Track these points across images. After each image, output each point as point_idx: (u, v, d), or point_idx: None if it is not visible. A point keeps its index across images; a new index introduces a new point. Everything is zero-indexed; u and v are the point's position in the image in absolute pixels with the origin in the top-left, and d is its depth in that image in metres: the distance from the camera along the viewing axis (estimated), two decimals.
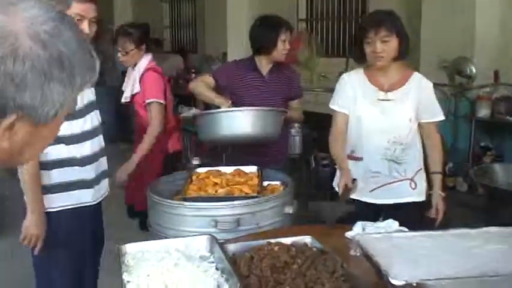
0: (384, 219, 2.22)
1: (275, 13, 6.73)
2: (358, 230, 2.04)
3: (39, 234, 2.36)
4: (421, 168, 2.78)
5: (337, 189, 2.60)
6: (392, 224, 2.08)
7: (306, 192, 5.00)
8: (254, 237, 2.12)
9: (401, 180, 2.73)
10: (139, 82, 3.79)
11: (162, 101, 3.74)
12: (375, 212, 2.66)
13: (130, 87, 3.84)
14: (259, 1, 8.13)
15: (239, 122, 2.92)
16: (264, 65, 3.33)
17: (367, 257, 1.53)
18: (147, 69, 3.79)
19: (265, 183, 2.73)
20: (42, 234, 2.37)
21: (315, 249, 1.84)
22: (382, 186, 2.73)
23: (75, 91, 0.91)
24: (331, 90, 6.87)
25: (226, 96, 3.24)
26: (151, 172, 3.72)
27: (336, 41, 7.44)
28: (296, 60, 7.33)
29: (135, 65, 3.86)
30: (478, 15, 5.10)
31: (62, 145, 2.42)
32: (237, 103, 3.18)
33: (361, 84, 2.73)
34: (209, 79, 3.31)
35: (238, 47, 8.04)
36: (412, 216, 2.60)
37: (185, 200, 2.43)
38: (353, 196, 2.57)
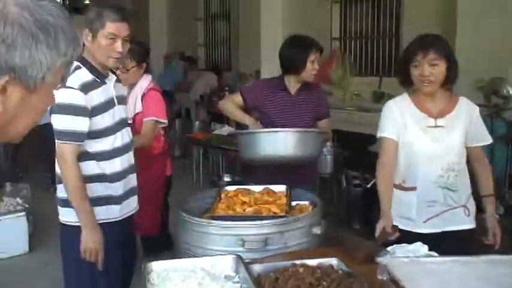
0: (435, 249, 2.11)
1: (308, 32, 6.73)
2: (387, 254, 2.01)
3: (96, 248, 2.41)
4: (471, 194, 2.69)
5: (376, 232, 2.51)
6: (421, 248, 2.04)
7: (335, 212, 4.97)
8: (280, 257, 2.10)
9: (456, 208, 2.62)
10: (142, 101, 3.72)
11: (164, 121, 3.73)
12: (426, 242, 2.41)
13: (133, 106, 3.69)
14: (293, 20, 8.17)
15: (282, 142, 2.90)
16: (292, 84, 3.32)
17: (395, 281, 1.50)
18: (149, 89, 3.77)
19: (294, 202, 2.70)
20: (99, 248, 2.41)
21: (340, 271, 1.81)
22: (437, 215, 2.61)
23: (61, 57, 0.98)
24: (364, 109, 6.92)
25: (254, 115, 3.25)
26: (156, 197, 3.70)
27: (369, 60, 7.42)
28: (329, 79, 7.33)
29: (133, 84, 3.75)
30: None
31: (93, 161, 2.46)
32: (264, 122, 3.18)
33: (409, 111, 2.62)
34: (238, 97, 3.31)
35: (271, 65, 8.06)
36: (466, 244, 2.52)
37: (213, 218, 2.42)
38: (402, 227, 2.51)
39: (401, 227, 2.51)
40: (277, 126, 3.10)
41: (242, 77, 8.59)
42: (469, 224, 2.64)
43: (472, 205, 2.68)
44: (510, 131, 4.88)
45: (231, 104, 3.31)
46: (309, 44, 3.28)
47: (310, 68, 3.24)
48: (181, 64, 10.31)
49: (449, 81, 2.56)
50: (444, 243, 2.37)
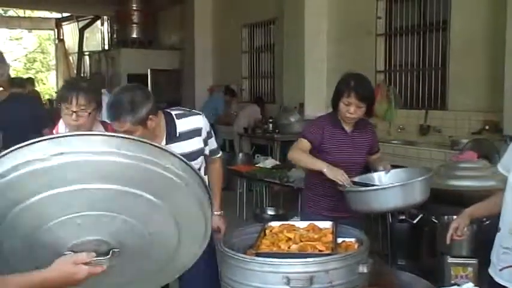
0: None
1: (353, 65, 6.74)
2: None
3: None
4: None
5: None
6: None
7: (380, 247, 4.86)
8: None
9: None
10: None
11: None
12: None
13: None
14: (338, 54, 8.19)
15: (391, 196, 2.91)
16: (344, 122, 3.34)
17: None
18: None
19: (340, 239, 2.67)
20: None
21: None
22: (509, 267, 2.28)
23: None
24: (409, 142, 6.82)
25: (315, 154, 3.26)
26: None
27: (414, 92, 7.34)
28: (374, 112, 7.28)
29: None
30: None
31: None
32: (324, 159, 3.18)
33: None
34: (305, 143, 3.28)
35: (315, 99, 8.11)
36: None
37: (258, 255, 2.41)
38: (490, 270, 2.36)
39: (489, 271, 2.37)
40: (337, 165, 3.11)
41: (286, 110, 8.62)
42: None
43: None
44: None
45: (301, 153, 3.26)
46: (345, 85, 3.22)
47: (344, 110, 3.23)
48: (222, 96, 10.43)
49: None
50: None
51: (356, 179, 3.18)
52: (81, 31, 16.52)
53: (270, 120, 9.03)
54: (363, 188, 3.03)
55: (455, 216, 2.62)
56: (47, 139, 1.40)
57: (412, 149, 6.47)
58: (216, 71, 11.96)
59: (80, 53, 15.96)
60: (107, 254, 1.53)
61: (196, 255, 1.79)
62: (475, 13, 6.28)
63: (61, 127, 2.95)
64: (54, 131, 2.98)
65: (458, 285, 2.05)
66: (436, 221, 3.76)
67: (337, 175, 3.02)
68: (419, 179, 2.93)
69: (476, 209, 2.55)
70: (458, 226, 2.47)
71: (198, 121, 2.93)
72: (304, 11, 8.29)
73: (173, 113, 2.86)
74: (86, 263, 1.49)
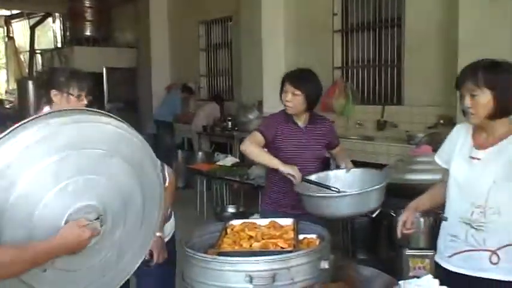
0: None
1: (310, 61, 6.79)
2: None
3: None
4: None
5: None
6: (432, 283, 2.00)
7: (340, 242, 4.92)
8: None
9: (479, 251, 2.37)
10: None
11: None
12: (455, 282, 2.35)
13: None
14: (295, 51, 8.23)
15: (343, 204, 2.91)
16: (299, 117, 3.39)
17: None
18: None
19: (301, 236, 2.67)
20: None
21: None
22: (458, 253, 2.43)
23: None
24: (367, 138, 6.91)
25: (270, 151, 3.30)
26: None
27: (371, 88, 7.44)
28: (331, 108, 7.34)
29: None
30: None
31: None
32: (278, 156, 3.24)
33: (462, 139, 2.49)
34: (258, 137, 3.33)
35: (273, 96, 8.05)
36: None
37: (220, 254, 2.39)
38: (436, 258, 2.53)
39: (436, 258, 2.54)
40: (291, 161, 3.19)
41: (245, 108, 8.61)
42: (496, 274, 2.34)
43: (510, 255, 2.33)
44: None
45: (255, 146, 3.29)
46: (285, 75, 3.43)
47: (284, 99, 3.36)
48: (179, 95, 10.35)
49: (498, 113, 2.29)
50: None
51: (313, 177, 3.21)
52: (32, 29, 16.09)
53: (229, 118, 9.02)
54: (316, 194, 3.03)
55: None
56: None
57: (369, 144, 6.56)
58: (174, 69, 11.86)
59: (32, 51, 15.56)
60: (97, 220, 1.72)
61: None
62: (428, 9, 6.41)
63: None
64: None
65: (418, 277, 2.08)
66: (394, 214, 3.81)
67: (289, 171, 3.06)
68: (374, 187, 2.92)
69: (420, 202, 2.66)
70: (406, 220, 2.56)
71: None
72: (261, 8, 8.29)
73: None
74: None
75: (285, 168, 3.09)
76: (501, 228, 2.31)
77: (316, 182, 3.18)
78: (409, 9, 6.63)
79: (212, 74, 11.05)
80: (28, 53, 15.98)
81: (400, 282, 2.04)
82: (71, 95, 2.81)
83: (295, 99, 3.32)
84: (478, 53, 5.21)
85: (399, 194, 3.45)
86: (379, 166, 5.68)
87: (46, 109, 2.80)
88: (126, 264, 1.92)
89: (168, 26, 11.87)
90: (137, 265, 1.97)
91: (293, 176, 3.06)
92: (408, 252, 3.57)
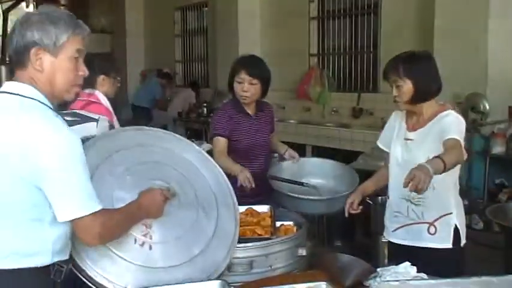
0: (404, 261, 2.13)
1: (286, 48, 6.77)
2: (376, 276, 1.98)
3: None
4: (447, 214, 2.63)
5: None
6: (410, 270, 2.02)
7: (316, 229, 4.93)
8: (268, 281, 2.06)
9: (419, 223, 2.65)
10: None
11: None
12: (400, 253, 2.56)
13: None
14: (271, 38, 8.19)
15: (313, 205, 3.12)
16: (247, 106, 3.35)
17: None
18: None
19: (278, 223, 2.67)
20: None
21: None
22: (402, 227, 2.72)
23: (63, 33, 1.77)
24: (343, 125, 6.92)
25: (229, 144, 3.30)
26: None
27: (347, 76, 7.45)
28: (307, 95, 7.34)
29: None
30: (490, 52, 5.10)
31: None
32: (234, 147, 3.26)
33: (398, 124, 2.79)
34: (221, 141, 3.26)
35: None
36: (432, 263, 2.50)
37: None
38: (384, 233, 2.78)
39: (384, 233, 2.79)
40: (247, 150, 3.29)
41: (220, 94, 8.56)
42: (435, 243, 2.62)
43: (445, 226, 2.63)
44: (487, 146, 4.93)
45: (220, 157, 3.14)
46: (239, 63, 3.31)
47: (239, 89, 3.25)
48: (158, 81, 10.24)
49: (417, 99, 2.62)
50: (410, 256, 2.31)
51: (273, 170, 3.33)
52: (5, 13, 15.76)
53: (204, 105, 8.96)
54: (300, 196, 3.09)
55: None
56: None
57: (345, 131, 6.58)
58: (149, 55, 11.73)
59: (4, 36, 15.24)
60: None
61: None
62: None
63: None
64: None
65: (396, 264, 2.10)
66: (370, 202, 3.84)
67: (243, 180, 2.98)
68: (346, 193, 3.02)
69: (367, 185, 2.96)
70: (353, 202, 2.81)
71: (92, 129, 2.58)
72: None
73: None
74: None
75: (241, 177, 2.99)
76: (436, 202, 2.61)
77: (287, 179, 3.25)
78: None
79: (188, 60, 10.96)
80: (1, 38, 15.66)
81: (378, 269, 2.05)
82: (116, 78, 3.37)
83: (252, 89, 3.25)
84: (453, 40, 5.27)
85: None
86: (355, 153, 5.72)
87: (88, 91, 3.21)
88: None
89: (143, 12, 11.72)
90: None
91: (244, 183, 2.99)
92: (384, 239, 3.60)
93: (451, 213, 2.63)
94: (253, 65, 3.28)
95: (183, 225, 2.12)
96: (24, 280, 1.72)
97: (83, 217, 1.69)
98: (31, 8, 16.75)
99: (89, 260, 1.90)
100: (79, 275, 1.89)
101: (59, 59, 1.76)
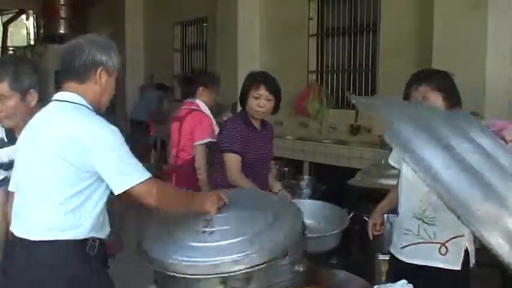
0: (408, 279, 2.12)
1: (285, 65, 6.80)
2: None
3: None
4: (460, 236, 2.58)
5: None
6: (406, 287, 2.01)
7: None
8: None
9: (429, 243, 2.60)
10: None
11: None
12: (404, 271, 2.54)
13: None
14: (270, 53, 8.22)
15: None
16: (254, 120, 3.38)
17: None
18: None
19: None
20: None
21: None
22: (411, 245, 2.67)
23: (116, 60, 2.30)
24: (341, 142, 6.92)
25: None
26: None
27: (345, 93, 7.46)
28: (306, 111, 7.35)
29: None
30: (488, 71, 5.13)
31: None
32: (243, 160, 3.27)
33: None
34: (238, 159, 3.26)
35: None
36: (440, 283, 2.47)
37: None
38: (391, 249, 2.77)
39: (390, 249, 2.79)
40: (254, 163, 3.32)
41: (220, 109, 8.56)
42: (444, 264, 2.58)
43: (456, 247, 2.59)
44: None
45: (242, 178, 3.20)
46: (254, 77, 3.30)
47: (254, 104, 3.24)
48: (155, 93, 10.26)
49: None
50: (417, 275, 2.35)
51: None
52: (5, 25, 15.86)
53: None
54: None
55: (386, 215, 3.11)
56: None
57: (343, 148, 6.58)
58: (148, 69, 11.77)
59: (4, 48, 15.32)
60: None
61: None
62: (403, 15, 6.45)
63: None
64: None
65: (392, 283, 2.09)
66: (367, 219, 3.83)
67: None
68: (335, 232, 3.16)
69: (382, 206, 3.00)
70: (376, 223, 2.89)
71: None
72: (237, 10, 8.27)
73: None
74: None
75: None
76: (450, 223, 2.48)
77: None
78: (384, 15, 6.67)
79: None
80: (0, 50, 15.73)
81: (375, 286, 2.04)
82: (213, 89, 4.68)
83: (268, 104, 3.28)
84: (451, 59, 5.29)
85: (372, 198, 3.48)
86: (352, 170, 5.71)
87: (190, 100, 4.58)
88: None
89: (143, 27, 11.78)
90: None
91: None
92: (381, 256, 3.59)
93: (463, 235, 2.58)
94: (271, 82, 3.30)
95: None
96: (61, 251, 2.04)
97: (138, 184, 2.01)
98: (31, 21, 16.86)
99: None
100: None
101: (111, 79, 2.28)
